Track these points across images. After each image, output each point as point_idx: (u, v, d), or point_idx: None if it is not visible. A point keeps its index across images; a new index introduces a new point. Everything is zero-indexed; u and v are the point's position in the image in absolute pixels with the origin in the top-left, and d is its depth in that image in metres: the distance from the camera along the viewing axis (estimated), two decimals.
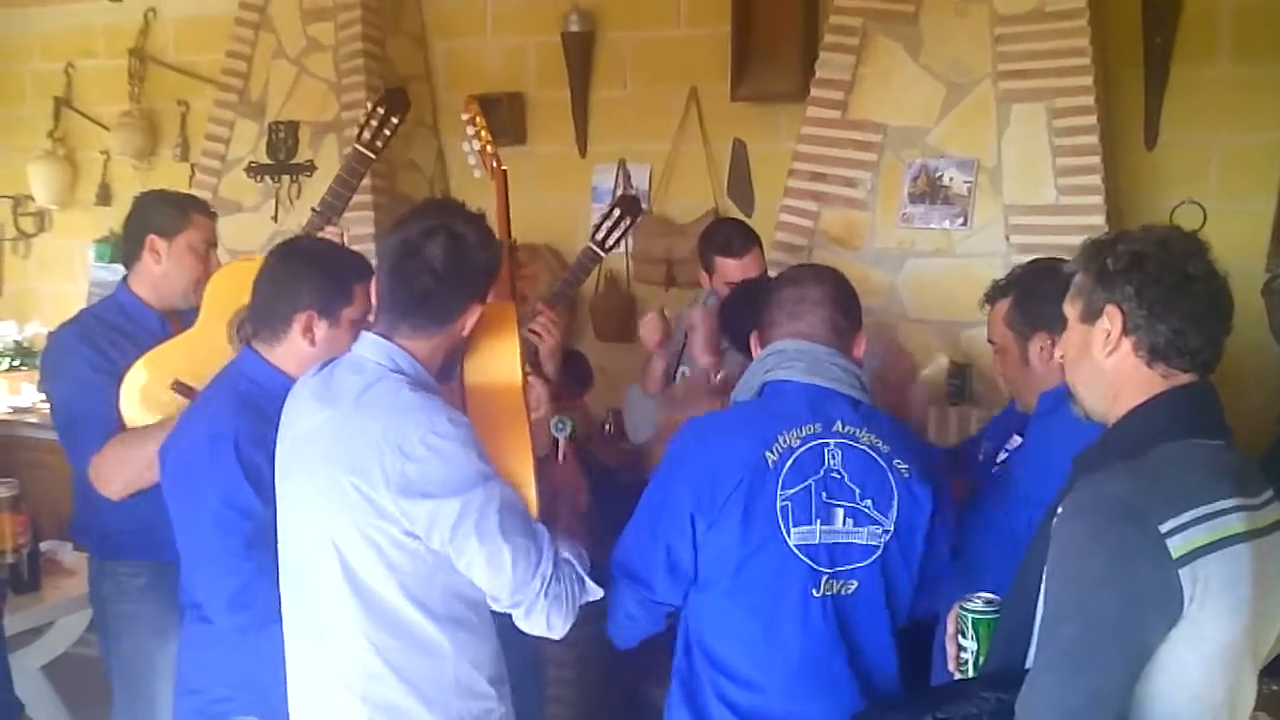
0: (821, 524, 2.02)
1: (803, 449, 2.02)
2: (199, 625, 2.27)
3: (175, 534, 2.26)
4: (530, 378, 2.25)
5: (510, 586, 1.91)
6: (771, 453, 2.01)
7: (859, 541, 2.04)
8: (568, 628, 1.99)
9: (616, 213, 3.17)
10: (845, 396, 2.09)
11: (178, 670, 2.36)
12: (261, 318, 2.27)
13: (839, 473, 2.03)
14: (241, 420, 2.16)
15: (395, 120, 2.70)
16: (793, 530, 2.00)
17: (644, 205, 4.46)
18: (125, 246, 2.81)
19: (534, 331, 3.02)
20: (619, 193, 4.43)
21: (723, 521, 2.00)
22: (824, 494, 2.02)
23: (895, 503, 2.06)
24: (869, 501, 2.04)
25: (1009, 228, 3.59)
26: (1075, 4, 3.52)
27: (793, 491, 2.01)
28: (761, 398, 2.13)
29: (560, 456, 2.33)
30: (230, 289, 2.63)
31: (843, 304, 2.17)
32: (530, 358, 3.05)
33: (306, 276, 2.23)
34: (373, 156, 2.69)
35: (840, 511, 2.03)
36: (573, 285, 3.16)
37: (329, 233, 2.71)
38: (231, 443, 2.13)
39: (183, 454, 2.21)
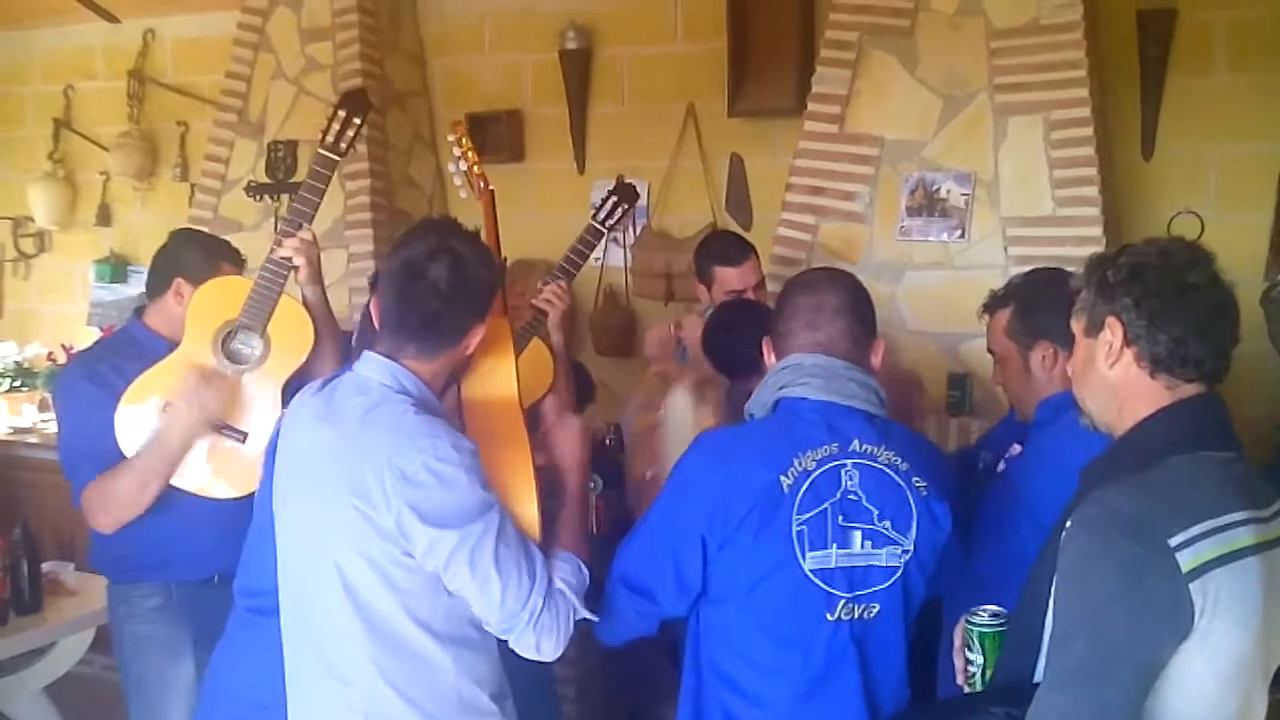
0: (838, 548, 1.97)
1: (819, 472, 1.97)
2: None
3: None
4: (568, 416, 2.23)
5: (499, 615, 1.91)
6: (786, 477, 1.96)
7: (878, 564, 2.00)
8: (559, 652, 1.97)
9: (614, 199, 3.20)
10: (861, 412, 2.04)
11: (219, 673, 2.32)
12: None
13: (856, 494, 1.98)
14: None
15: (357, 121, 2.70)
16: (808, 555, 1.95)
17: (643, 220, 4.50)
18: (151, 279, 2.81)
19: (544, 300, 3.04)
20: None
21: (734, 544, 1.97)
22: (840, 517, 1.97)
23: (915, 522, 2.01)
24: (887, 522, 1.99)
25: (1007, 240, 3.60)
26: (1070, 16, 3.54)
27: (808, 516, 1.96)
28: (776, 415, 2.07)
29: (593, 513, 2.31)
30: (211, 306, 2.63)
31: (860, 311, 2.11)
32: (539, 328, 3.07)
33: None
34: (336, 159, 2.70)
35: (858, 534, 1.98)
36: (575, 263, 3.17)
37: (299, 235, 2.68)
38: None
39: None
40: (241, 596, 2.25)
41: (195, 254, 2.77)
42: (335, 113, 2.69)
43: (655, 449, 2.72)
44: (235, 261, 2.83)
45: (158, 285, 2.78)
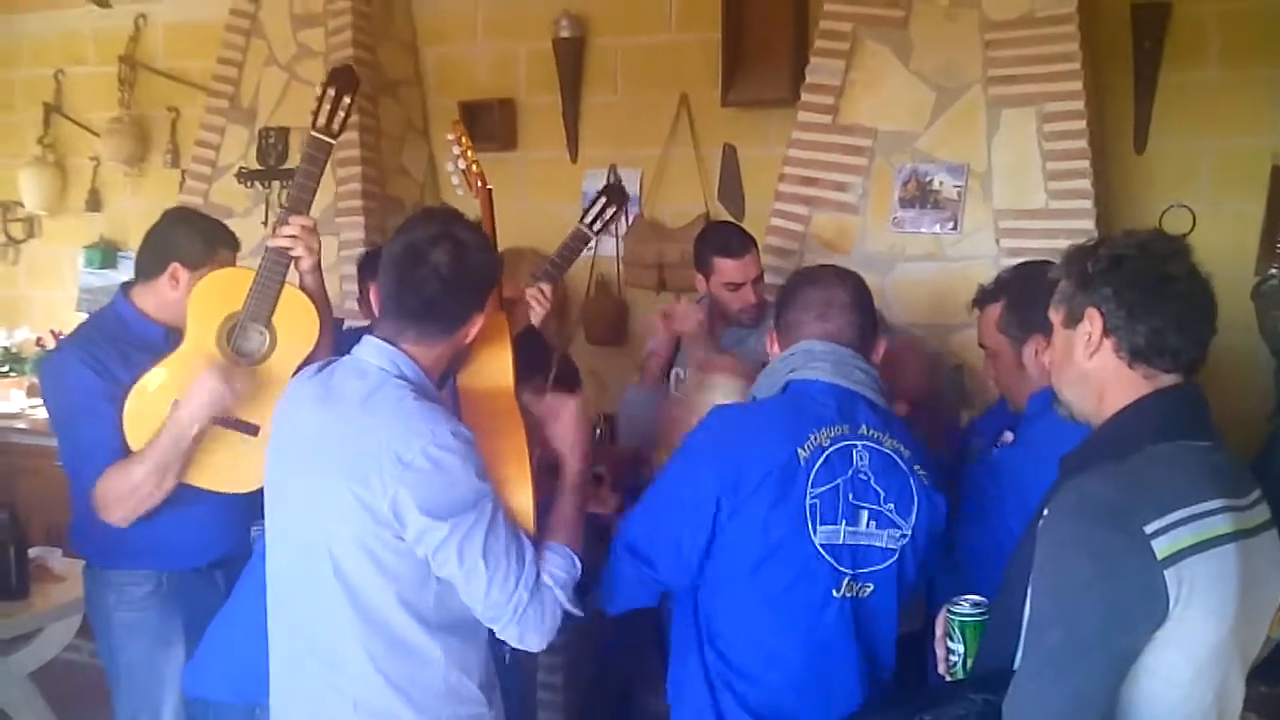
0: (846, 524, 2.02)
1: (833, 449, 2.02)
2: None
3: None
4: (562, 398, 2.22)
5: (483, 605, 1.92)
6: (804, 450, 2.01)
7: (879, 545, 2.05)
8: (544, 645, 1.98)
9: (603, 200, 3.20)
10: (866, 400, 2.09)
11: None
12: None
13: (866, 474, 2.04)
14: None
15: (347, 99, 2.66)
16: (819, 529, 2.00)
17: (635, 209, 4.49)
18: (143, 261, 2.73)
19: (525, 302, 3.03)
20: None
21: (747, 512, 2.00)
22: (851, 495, 2.02)
23: (915, 507, 2.06)
24: (892, 505, 2.05)
25: (999, 232, 3.60)
26: (1065, 9, 3.53)
27: (822, 490, 2.00)
28: (787, 395, 2.12)
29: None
30: (213, 299, 2.59)
31: (867, 307, 2.18)
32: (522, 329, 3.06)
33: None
34: (331, 141, 2.64)
35: (865, 513, 2.03)
36: (561, 266, 3.17)
37: (297, 221, 2.64)
38: None
39: None
40: None
41: (192, 238, 2.71)
42: (324, 91, 2.64)
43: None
44: (231, 246, 2.78)
45: (151, 267, 2.71)
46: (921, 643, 2.27)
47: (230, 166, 4.72)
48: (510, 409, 2.16)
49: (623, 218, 4.19)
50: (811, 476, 2.00)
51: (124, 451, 2.55)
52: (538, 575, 1.96)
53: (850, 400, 2.08)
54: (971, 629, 1.84)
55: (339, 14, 4.56)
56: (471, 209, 2.64)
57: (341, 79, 2.66)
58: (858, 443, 2.04)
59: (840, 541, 2.01)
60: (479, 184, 2.78)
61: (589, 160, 4.69)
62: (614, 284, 4.63)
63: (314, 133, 2.63)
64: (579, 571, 2.05)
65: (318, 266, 2.68)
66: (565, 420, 2.18)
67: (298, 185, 2.65)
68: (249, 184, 4.66)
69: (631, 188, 4.53)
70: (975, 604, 1.86)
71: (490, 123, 4.69)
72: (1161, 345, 1.63)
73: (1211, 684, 1.57)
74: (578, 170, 4.71)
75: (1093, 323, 1.67)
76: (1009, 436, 2.49)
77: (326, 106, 2.63)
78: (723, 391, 2.63)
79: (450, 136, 2.86)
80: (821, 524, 2.00)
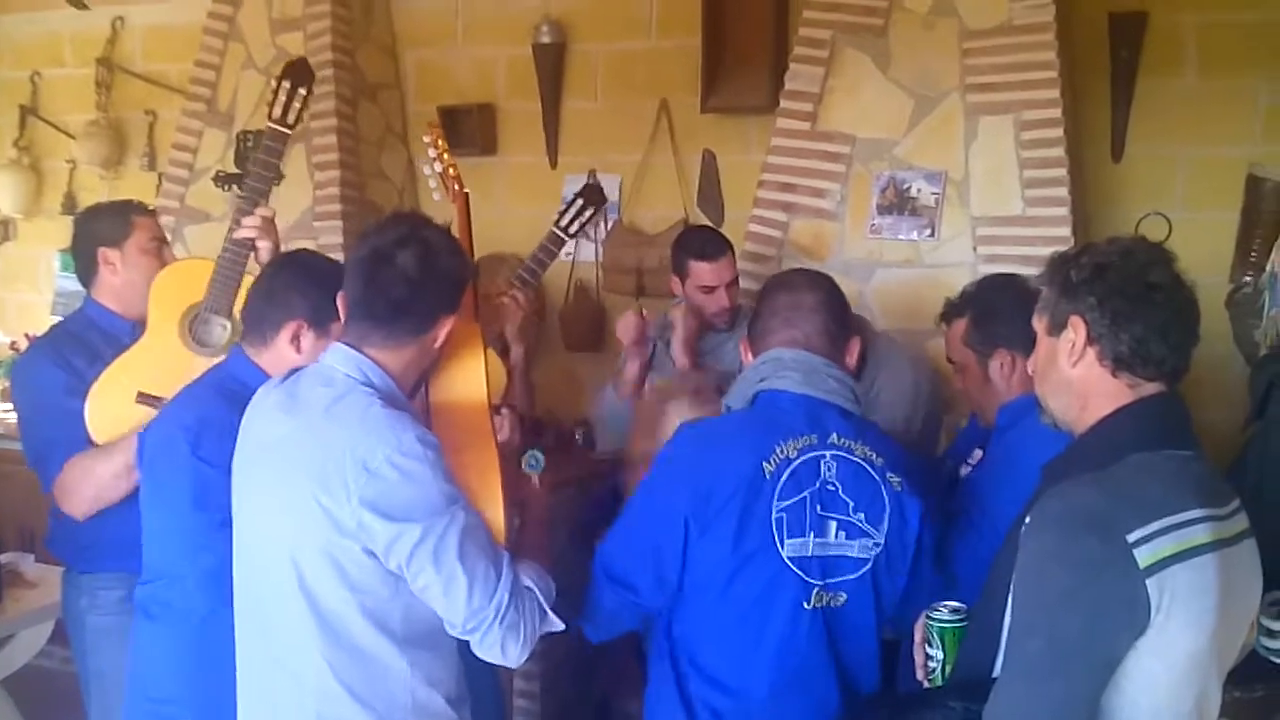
0: (815, 536, 2.01)
1: (799, 460, 2.01)
2: (154, 624, 2.27)
3: (146, 513, 2.26)
4: (502, 408, 2.21)
5: (464, 614, 1.88)
6: (769, 463, 2.00)
7: (850, 554, 2.04)
8: (524, 657, 1.95)
9: (579, 202, 3.19)
10: (837, 408, 2.08)
11: (130, 672, 2.34)
12: (252, 323, 2.28)
13: (834, 485, 2.02)
14: (230, 412, 2.14)
15: (302, 91, 2.69)
16: (786, 542, 1.99)
17: (614, 215, 4.50)
18: (80, 267, 2.81)
19: (500, 304, 3.02)
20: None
21: (716, 529, 1.99)
22: (819, 507, 2.01)
23: (887, 516, 2.05)
24: (861, 515, 2.03)
25: (976, 239, 3.61)
26: (1042, 18, 3.55)
27: (788, 503, 1.99)
28: (755, 407, 2.11)
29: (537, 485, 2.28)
30: (175, 290, 2.62)
31: (836, 310, 2.16)
32: (495, 339, 3.05)
33: (299, 287, 2.24)
34: (287, 132, 2.69)
35: (833, 524, 2.02)
36: (536, 272, 3.16)
37: (259, 213, 2.67)
38: (218, 430, 2.12)
39: (170, 432, 2.21)
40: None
41: (105, 220, 2.79)
42: (279, 84, 2.68)
43: None
44: (144, 211, 2.84)
45: (88, 267, 2.78)
46: (896, 649, 2.28)
47: (207, 170, 4.69)
48: (482, 424, 2.14)
49: (600, 221, 4.19)
50: (777, 490, 1.99)
51: (89, 445, 2.57)
52: (516, 578, 1.94)
53: (820, 410, 2.06)
54: (951, 635, 1.85)
55: (318, 18, 4.54)
56: (448, 215, 2.64)
57: (296, 72, 2.70)
58: (826, 453, 2.03)
59: (809, 554, 2.01)
60: (456, 187, 2.78)
61: (569, 166, 4.68)
62: (593, 289, 4.62)
63: (270, 123, 2.66)
64: (552, 587, 2.03)
65: None
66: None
67: (256, 176, 2.69)
68: (226, 188, 4.62)
69: (611, 193, 4.52)
70: (954, 610, 1.87)
71: (470, 128, 4.68)
72: (1145, 354, 1.64)
73: (1191, 691, 1.58)
74: (557, 176, 4.70)
75: (1076, 331, 1.67)
76: (978, 454, 2.51)
77: (282, 98, 2.67)
78: (676, 416, 2.63)
79: (426, 139, 2.86)
80: (789, 537, 1.99)
